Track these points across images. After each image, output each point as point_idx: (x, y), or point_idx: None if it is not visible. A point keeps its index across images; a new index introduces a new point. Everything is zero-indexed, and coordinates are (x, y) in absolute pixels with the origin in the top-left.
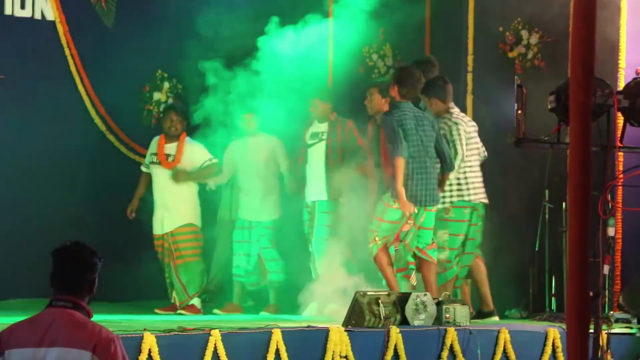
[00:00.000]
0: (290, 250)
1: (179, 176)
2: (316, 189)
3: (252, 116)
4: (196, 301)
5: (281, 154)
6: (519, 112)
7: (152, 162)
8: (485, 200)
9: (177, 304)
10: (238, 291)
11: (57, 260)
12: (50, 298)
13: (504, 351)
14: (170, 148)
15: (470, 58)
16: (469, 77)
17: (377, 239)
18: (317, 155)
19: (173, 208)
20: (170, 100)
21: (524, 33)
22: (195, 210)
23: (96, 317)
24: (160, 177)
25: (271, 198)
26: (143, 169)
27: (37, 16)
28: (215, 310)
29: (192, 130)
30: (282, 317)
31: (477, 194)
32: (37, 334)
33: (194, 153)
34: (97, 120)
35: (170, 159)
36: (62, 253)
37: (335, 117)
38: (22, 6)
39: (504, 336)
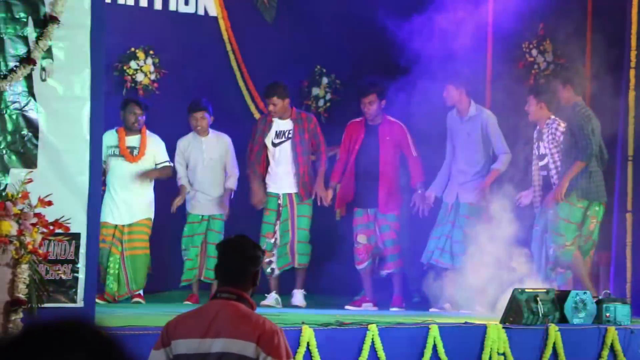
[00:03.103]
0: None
1: (141, 175)
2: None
3: (203, 115)
4: (141, 292)
5: (230, 152)
6: None
7: (111, 155)
8: None
9: (115, 294)
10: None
11: (221, 253)
12: (215, 290)
13: None
14: (133, 141)
15: (633, 54)
16: (632, 73)
17: (567, 243)
18: None
19: (132, 201)
20: (329, 96)
21: None
22: (151, 203)
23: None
24: (120, 169)
25: (222, 193)
26: None
27: (200, 12)
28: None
29: None
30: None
31: None
32: (202, 325)
33: (158, 149)
34: (257, 115)
35: (135, 152)
36: (227, 246)
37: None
38: (186, 2)
39: None
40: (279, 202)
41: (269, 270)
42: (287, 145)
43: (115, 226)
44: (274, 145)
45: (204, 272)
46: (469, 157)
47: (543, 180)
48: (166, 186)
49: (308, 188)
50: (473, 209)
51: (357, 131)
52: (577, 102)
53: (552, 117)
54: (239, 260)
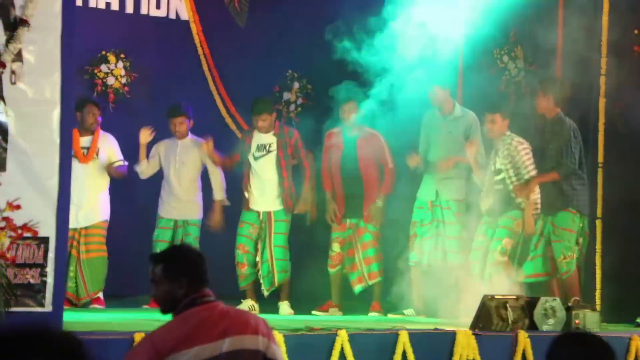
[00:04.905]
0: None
1: (102, 169)
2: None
3: (182, 120)
4: (100, 295)
5: (207, 158)
6: None
7: None
8: None
9: (74, 295)
10: None
11: (186, 258)
12: (192, 296)
13: (636, 358)
14: (86, 142)
15: (603, 61)
16: (602, 80)
17: (574, 254)
18: None
19: (87, 203)
20: (300, 101)
21: None
22: (107, 205)
23: None
24: (75, 172)
25: (196, 198)
26: None
27: (172, 16)
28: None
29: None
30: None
31: None
32: (205, 331)
33: (112, 148)
34: (228, 120)
35: (84, 152)
36: (189, 251)
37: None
38: (158, 6)
39: (636, 343)
40: (260, 218)
41: (243, 283)
42: (269, 159)
43: (75, 229)
44: (255, 158)
45: None
46: (449, 154)
47: (497, 194)
48: (122, 189)
49: (295, 200)
50: (461, 205)
51: (336, 142)
52: (561, 115)
53: (508, 132)
54: (203, 262)
